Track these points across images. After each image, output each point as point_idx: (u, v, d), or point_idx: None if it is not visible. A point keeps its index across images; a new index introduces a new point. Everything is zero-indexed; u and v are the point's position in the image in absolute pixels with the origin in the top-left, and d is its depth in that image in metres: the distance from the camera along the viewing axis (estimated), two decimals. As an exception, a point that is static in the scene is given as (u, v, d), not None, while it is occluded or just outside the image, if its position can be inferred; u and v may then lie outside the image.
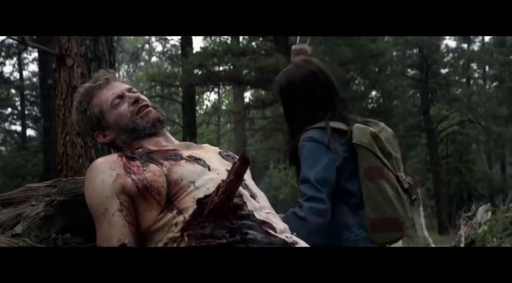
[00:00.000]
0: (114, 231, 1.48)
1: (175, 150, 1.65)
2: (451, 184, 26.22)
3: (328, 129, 2.19)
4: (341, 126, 2.23)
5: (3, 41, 18.38)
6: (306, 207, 2.06)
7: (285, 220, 1.98)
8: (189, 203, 1.48)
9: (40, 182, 1.71)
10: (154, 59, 34.30)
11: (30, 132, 27.55)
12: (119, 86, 1.78)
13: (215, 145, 1.90)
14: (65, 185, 1.61)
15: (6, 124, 27.60)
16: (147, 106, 1.75)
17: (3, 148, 27.62)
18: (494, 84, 29.85)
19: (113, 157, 1.61)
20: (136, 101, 1.74)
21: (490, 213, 7.43)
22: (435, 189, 23.67)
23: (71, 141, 4.89)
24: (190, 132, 19.39)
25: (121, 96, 1.74)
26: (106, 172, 1.54)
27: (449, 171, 26.40)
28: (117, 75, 1.90)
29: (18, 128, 27.37)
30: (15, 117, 27.52)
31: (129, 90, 1.78)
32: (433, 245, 10.04)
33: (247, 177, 1.69)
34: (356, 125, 2.22)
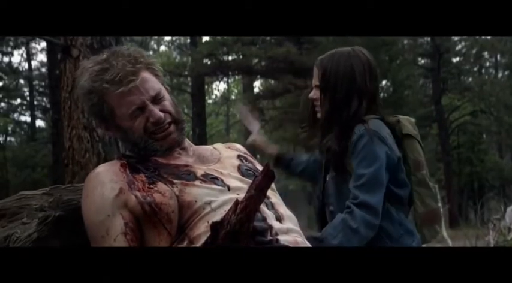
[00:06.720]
0: None
1: (187, 165, 1.41)
2: (462, 174, 25.98)
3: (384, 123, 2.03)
4: (389, 119, 2.09)
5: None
6: (358, 217, 1.88)
7: (332, 228, 1.88)
8: (202, 229, 1.26)
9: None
10: (163, 48, 34.05)
11: (39, 122, 27.59)
12: (142, 91, 1.42)
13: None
14: (62, 195, 1.40)
15: (16, 115, 27.59)
16: (169, 125, 1.45)
17: (12, 139, 27.63)
18: (507, 73, 29.44)
19: (115, 166, 1.39)
20: (157, 121, 1.43)
21: (519, 216, 7.13)
22: (446, 179, 23.43)
23: (77, 135, 4.75)
24: (199, 123, 19.30)
25: (142, 108, 1.43)
26: (107, 185, 1.33)
27: (461, 161, 26.21)
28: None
29: (28, 119, 27.40)
30: (24, 107, 27.51)
31: (155, 100, 1.44)
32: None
33: (273, 195, 1.46)
34: (401, 116, 2.12)
